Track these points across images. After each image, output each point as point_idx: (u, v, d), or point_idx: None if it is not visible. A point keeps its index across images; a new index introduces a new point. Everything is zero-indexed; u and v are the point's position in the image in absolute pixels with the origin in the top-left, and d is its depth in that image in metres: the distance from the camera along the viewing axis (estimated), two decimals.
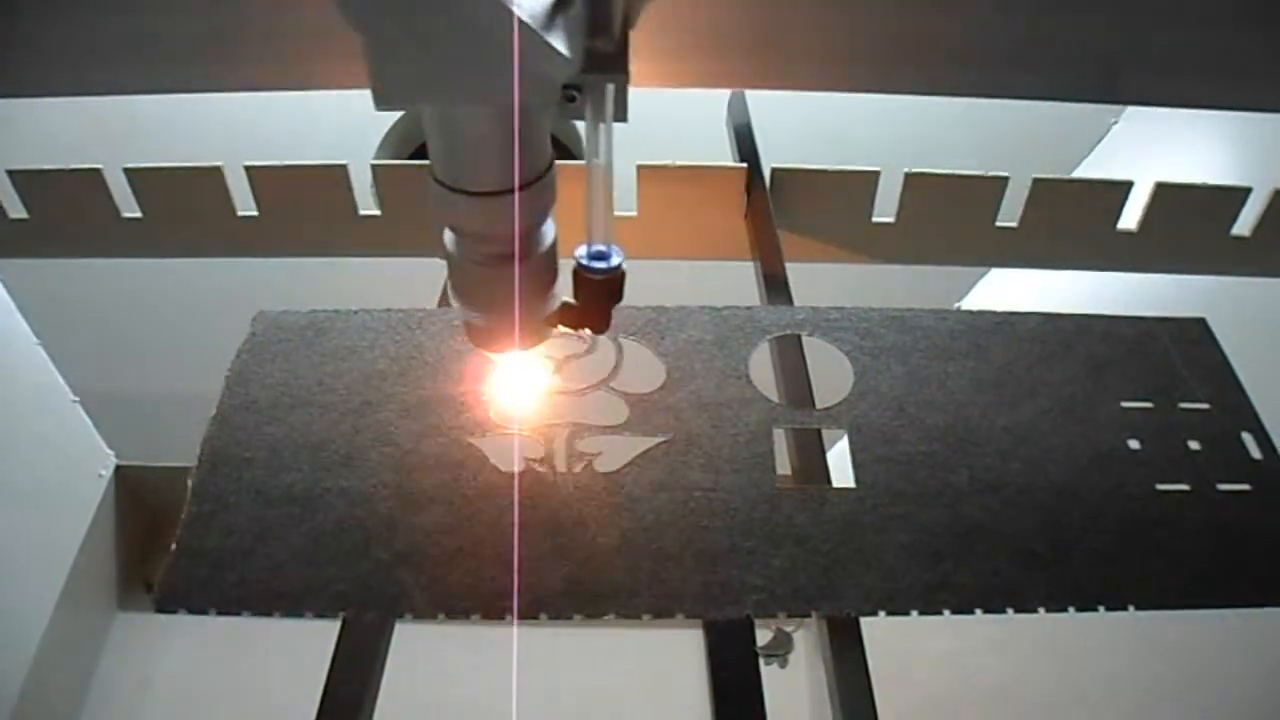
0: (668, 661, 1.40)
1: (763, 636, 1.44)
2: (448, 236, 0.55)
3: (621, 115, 0.50)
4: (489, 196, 0.50)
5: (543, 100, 0.45)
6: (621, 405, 0.72)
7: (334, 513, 0.66)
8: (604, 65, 0.47)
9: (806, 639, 1.45)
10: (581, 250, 0.58)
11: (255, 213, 1.02)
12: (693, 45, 0.78)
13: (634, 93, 0.53)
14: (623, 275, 0.59)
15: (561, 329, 0.62)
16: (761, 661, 0.69)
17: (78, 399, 1.45)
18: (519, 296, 0.56)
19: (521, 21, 0.39)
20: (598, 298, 0.59)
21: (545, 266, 0.57)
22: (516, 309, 0.57)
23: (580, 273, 0.59)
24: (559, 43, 0.42)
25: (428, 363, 0.75)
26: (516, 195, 0.50)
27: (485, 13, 0.39)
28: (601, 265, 0.58)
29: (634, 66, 0.49)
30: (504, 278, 0.55)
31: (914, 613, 0.63)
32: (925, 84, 0.80)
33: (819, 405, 0.74)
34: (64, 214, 1.03)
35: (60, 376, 1.41)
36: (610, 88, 0.48)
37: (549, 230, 0.56)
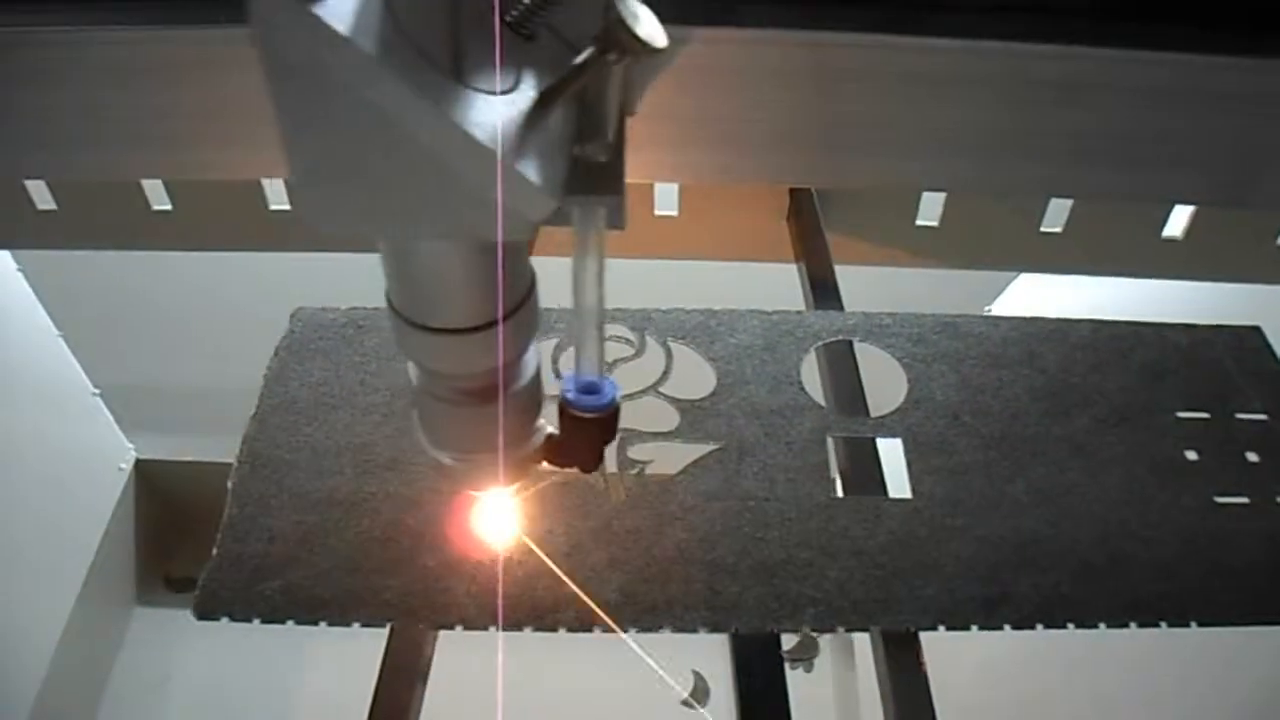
0: (694, 665, 1.38)
1: (788, 640, 1.42)
2: (410, 367, 0.46)
3: (617, 224, 0.38)
4: (456, 334, 0.41)
5: (514, 237, 0.35)
6: (672, 411, 0.71)
7: (379, 518, 0.65)
8: (594, 182, 0.36)
9: (833, 644, 1.43)
10: (568, 381, 0.47)
11: (288, 206, 1.00)
12: (699, 135, 0.76)
13: None
14: (616, 411, 0.48)
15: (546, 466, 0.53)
16: (787, 666, 0.68)
17: (98, 392, 1.43)
18: (501, 439, 0.47)
19: (483, 148, 0.31)
20: (585, 437, 0.49)
21: (526, 402, 0.48)
22: (500, 454, 0.48)
23: (565, 409, 0.47)
24: (532, 171, 0.32)
25: None
26: (500, 328, 0.41)
27: (433, 134, 0.31)
28: (591, 401, 0.47)
29: (631, 156, 0.39)
30: (479, 417, 0.46)
31: (974, 627, 0.61)
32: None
33: (872, 413, 0.72)
34: (93, 206, 1.01)
35: (81, 369, 1.40)
36: (603, 211, 0.38)
37: (530, 361, 0.47)
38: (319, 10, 0.28)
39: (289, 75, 0.30)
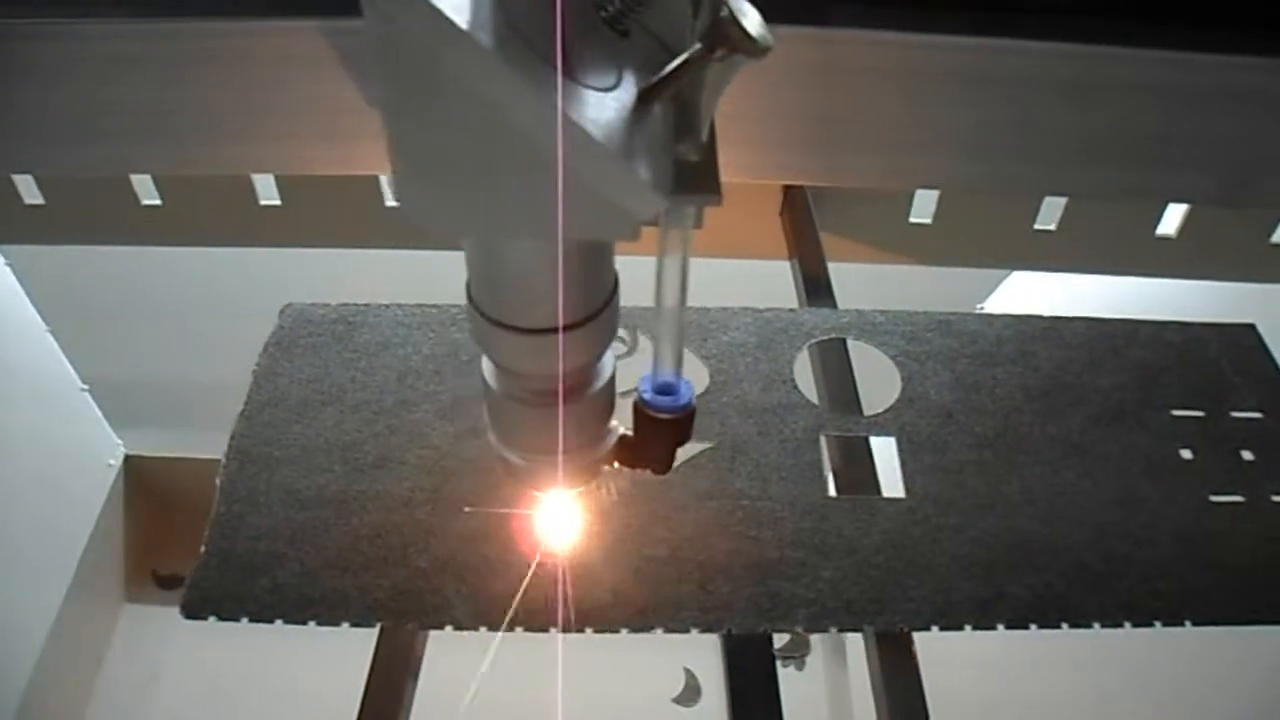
0: (685, 663, 1.38)
1: (780, 638, 1.42)
2: (486, 365, 0.46)
3: (699, 223, 0.38)
4: (537, 334, 0.40)
5: (621, 237, 0.35)
6: None
7: (369, 517, 0.64)
8: (691, 180, 0.35)
9: (824, 642, 1.43)
10: (645, 381, 0.47)
11: (278, 202, 0.99)
12: (738, 136, 0.76)
13: None
14: (692, 413, 0.48)
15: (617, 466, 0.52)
16: (779, 664, 0.67)
17: (87, 387, 1.42)
18: (562, 444, 0.47)
19: (598, 145, 0.31)
20: (660, 439, 0.49)
21: (599, 405, 0.47)
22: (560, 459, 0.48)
23: (640, 409, 0.47)
24: (643, 169, 0.31)
25: (464, 361, 0.73)
26: (561, 337, 0.40)
27: (548, 130, 0.30)
28: (667, 401, 0.47)
29: None
30: (552, 418, 0.45)
31: (968, 627, 0.61)
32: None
33: (866, 411, 0.72)
34: (82, 201, 1.00)
35: (69, 365, 1.39)
36: (692, 210, 0.37)
37: (607, 363, 0.47)
38: (438, 2, 0.28)
39: (401, 69, 0.30)
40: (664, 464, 0.51)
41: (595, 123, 0.31)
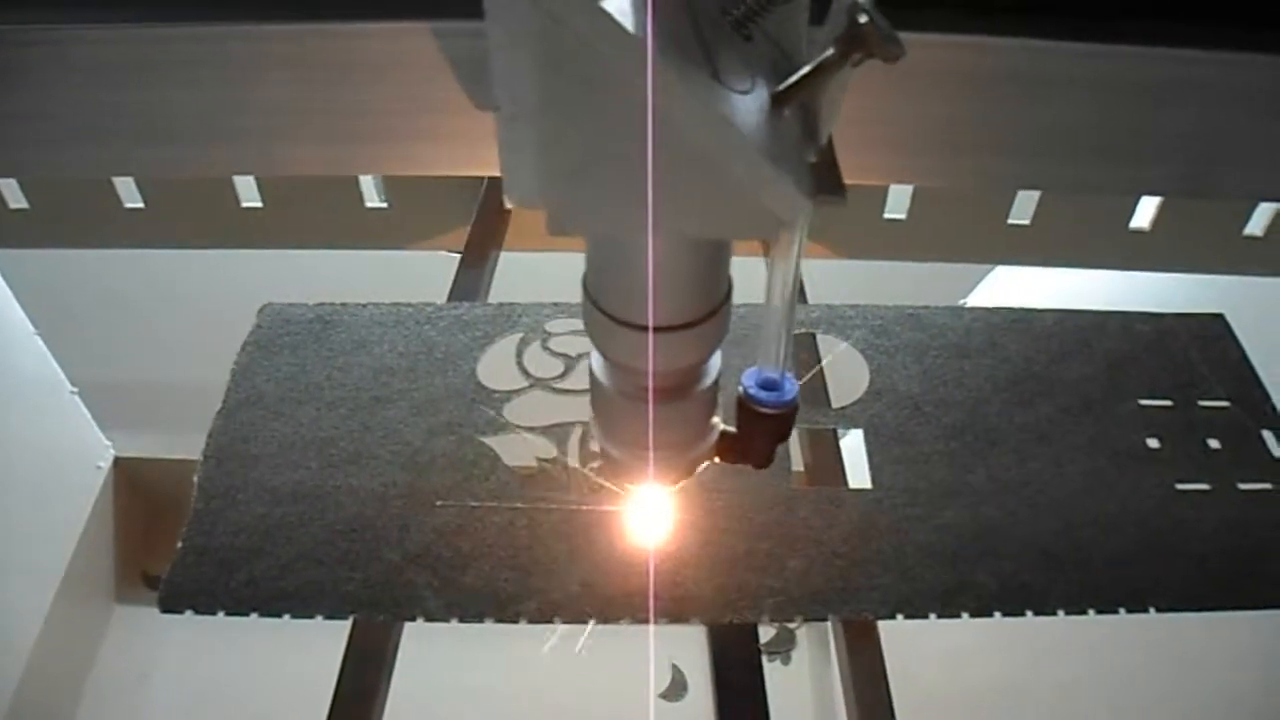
0: (672, 658, 1.39)
1: (765, 633, 1.43)
2: (596, 360, 0.47)
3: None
4: (664, 332, 0.41)
5: (763, 236, 0.35)
6: None
7: (344, 512, 0.65)
8: (820, 182, 0.34)
9: (810, 636, 1.44)
10: (750, 376, 0.48)
11: (259, 204, 1.00)
12: None
13: None
14: (795, 409, 0.48)
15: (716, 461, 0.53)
16: (765, 658, 0.68)
17: (76, 390, 1.43)
18: (653, 440, 0.47)
19: (749, 147, 0.31)
20: (763, 433, 0.49)
21: (704, 405, 0.48)
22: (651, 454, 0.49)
23: (745, 403, 0.48)
24: (788, 171, 0.32)
25: (438, 359, 0.74)
26: (651, 337, 0.41)
27: (703, 132, 0.31)
28: (771, 397, 0.47)
29: None
30: (660, 414, 0.46)
31: (932, 615, 0.62)
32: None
33: (834, 404, 0.73)
34: (66, 204, 1.01)
35: (59, 367, 1.40)
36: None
37: (715, 361, 0.47)
38: (609, 7, 0.29)
39: (563, 71, 0.30)
40: (765, 459, 0.52)
41: (745, 125, 0.31)
